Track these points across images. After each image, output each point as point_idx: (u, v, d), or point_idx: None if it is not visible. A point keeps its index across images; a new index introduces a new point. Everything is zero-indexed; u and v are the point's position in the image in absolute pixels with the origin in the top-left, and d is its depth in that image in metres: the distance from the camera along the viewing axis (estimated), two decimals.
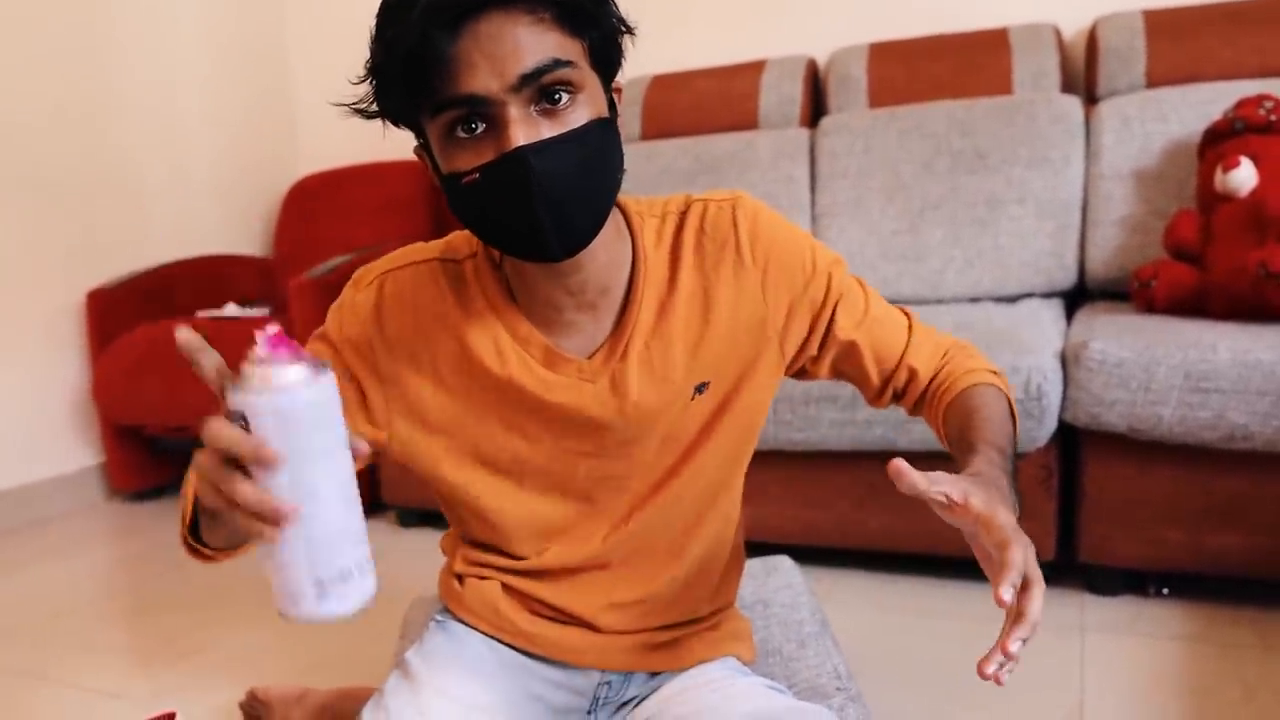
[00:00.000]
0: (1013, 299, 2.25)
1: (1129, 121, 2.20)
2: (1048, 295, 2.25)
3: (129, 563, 2.41)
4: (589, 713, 1.03)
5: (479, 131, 0.74)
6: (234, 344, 2.48)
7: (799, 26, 2.76)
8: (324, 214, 3.18)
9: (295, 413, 0.60)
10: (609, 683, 1.03)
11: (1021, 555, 0.67)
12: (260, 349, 0.59)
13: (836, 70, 2.59)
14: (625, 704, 1.04)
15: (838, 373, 1.00)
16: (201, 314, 2.84)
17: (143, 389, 2.61)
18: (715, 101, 2.68)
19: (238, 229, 3.37)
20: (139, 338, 2.70)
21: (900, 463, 0.67)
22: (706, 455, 0.96)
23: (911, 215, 2.34)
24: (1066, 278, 2.23)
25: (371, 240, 2.86)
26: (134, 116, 3.00)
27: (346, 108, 0.79)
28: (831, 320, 0.94)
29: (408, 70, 0.72)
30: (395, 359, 0.91)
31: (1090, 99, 2.36)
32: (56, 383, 2.81)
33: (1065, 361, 1.71)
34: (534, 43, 0.72)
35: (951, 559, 1.86)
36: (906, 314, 1.01)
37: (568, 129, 0.74)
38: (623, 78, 0.84)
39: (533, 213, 0.74)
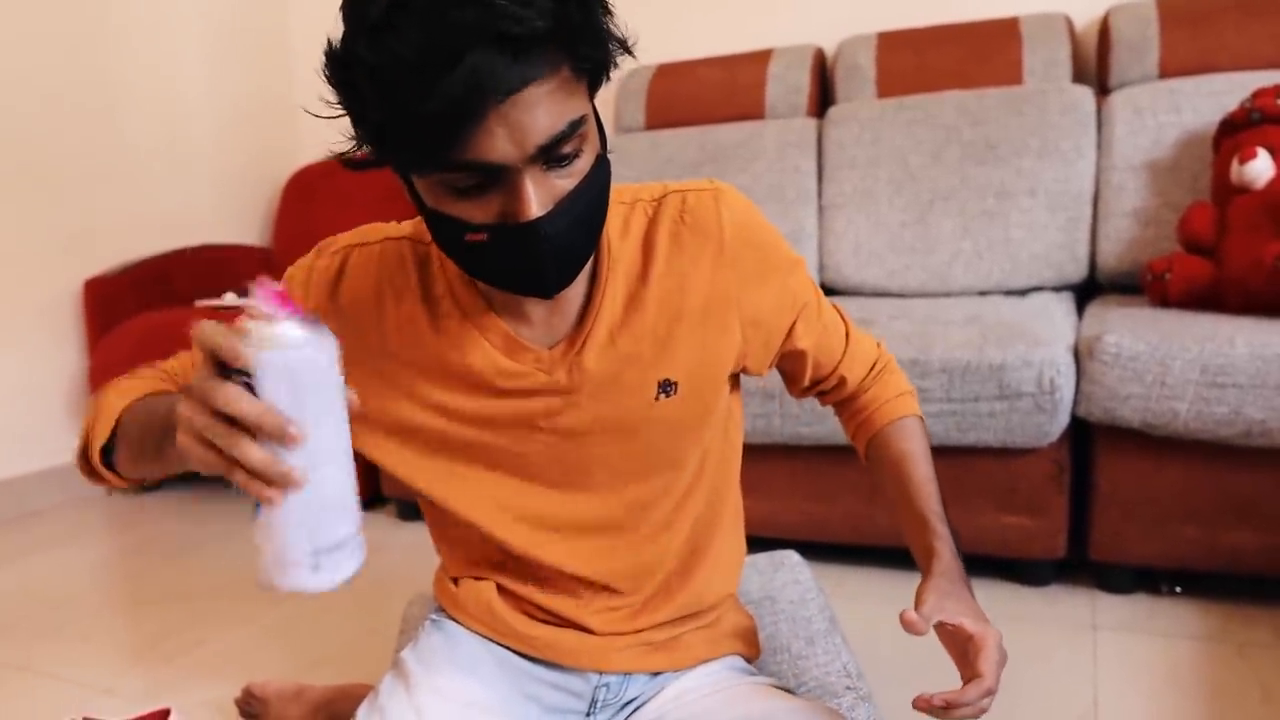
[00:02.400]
0: (1022, 292, 2.22)
1: (1141, 112, 2.17)
2: (1058, 288, 2.22)
3: (125, 556, 2.39)
4: (587, 715, 1.01)
5: (483, 186, 0.70)
6: None
7: (806, 15, 2.72)
8: (324, 203, 3.15)
9: (307, 372, 0.57)
10: (607, 685, 1.00)
11: (993, 677, 0.78)
12: (264, 305, 0.56)
13: (844, 60, 2.55)
14: (627, 704, 1.02)
15: (777, 368, 1.03)
16: (200, 303, 2.81)
17: None
18: (721, 91, 2.65)
19: (237, 218, 3.34)
20: (137, 327, 2.67)
21: (908, 616, 0.78)
22: (677, 457, 0.94)
23: (920, 207, 2.31)
24: (1077, 270, 2.19)
25: None
26: (133, 104, 2.97)
27: (344, 162, 0.75)
28: (792, 327, 0.96)
29: (422, 140, 0.66)
30: (344, 332, 0.86)
31: (1102, 89, 2.32)
32: (53, 372, 2.78)
33: (1079, 355, 1.68)
34: (551, 107, 0.68)
35: (960, 556, 1.82)
36: (842, 316, 1.04)
37: (576, 182, 0.72)
38: (626, 67, 0.81)
39: (540, 271, 0.74)
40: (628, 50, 0.75)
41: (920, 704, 0.77)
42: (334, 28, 0.69)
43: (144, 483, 0.84)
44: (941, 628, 0.82)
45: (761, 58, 2.63)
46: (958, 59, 2.42)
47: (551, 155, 0.70)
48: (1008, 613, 1.67)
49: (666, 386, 0.89)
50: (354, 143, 0.73)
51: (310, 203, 3.21)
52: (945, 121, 2.33)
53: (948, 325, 1.84)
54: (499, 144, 0.67)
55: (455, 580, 1.02)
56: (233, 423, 0.57)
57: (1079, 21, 2.43)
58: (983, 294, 2.23)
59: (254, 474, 0.57)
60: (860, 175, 2.38)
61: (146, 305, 2.80)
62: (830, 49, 2.66)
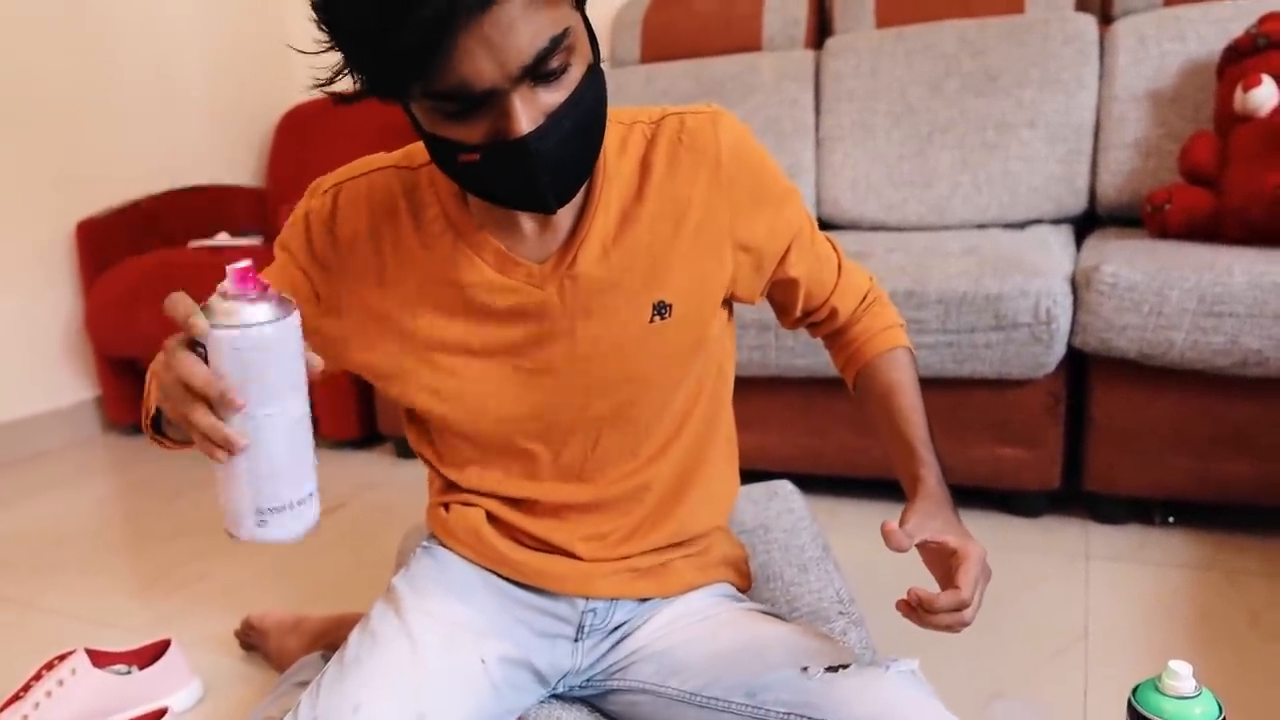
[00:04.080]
0: (1021, 225, 2.20)
1: (1145, 41, 2.13)
2: (1057, 221, 2.20)
3: (125, 495, 2.40)
4: (575, 639, 1.02)
5: (473, 109, 0.70)
6: (224, 272, 2.41)
7: None
8: (317, 142, 3.11)
9: (251, 351, 0.62)
10: (594, 610, 1.01)
11: (970, 589, 0.78)
12: (229, 283, 0.62)
13: None
14: (615, 629, 1.02)
15: (768, 298, 1.03)
16: (194, 244, 2.79)
17: (135, 321, 2.57)
18: (717, 23, 2.60)
19: (230, 158, 3.30)
20: (131, 269, 2.66)
21: (889, 526, 0.78)
22: (671, 383, 0.94)
23: (919, 139, 2.28)
24: (1077, 203, 2.17)
25: None
26: (124, 44, 2.92)
27: (334, 97, 0.75)
28: (785, 255, 0.96)
29: (401, 67, 0.67)
30: (346, 266, 0.89)
31: (1105, 18, 2.27)
32: (49, 315, 2.77)
33: (1076, 285, 1.67)
34: (529, 23, 0.66)
35: (955, 487, 1.83)
36: (835, 248, 1.04)
37: (566, 95, 0.72)
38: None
39: (536, 187, 0.74)
40: None
41: (900, 604, 0.79)
42: None
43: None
44: (925, 547, 0.83)
45: None
46: None
47: (537, 72, 0.69)
48: (1002, 542, 1.68)
49: (661, 308, 0.89)
50: (341, 76, 0.73)
51: (303, 142, 3.17)
52: (945, 52, 2.29)
53: (945, 257, 1.82)
54: (481, 66, 0.66)
55: (445, 506, 1.03)
56: (188, 388, 0.63)
57: None
58: (981, 227, 2.21)
59: (203, 435, 0.63)
60: (858, 108, 2.35)
61: (140, 247, 2.79)
62: None
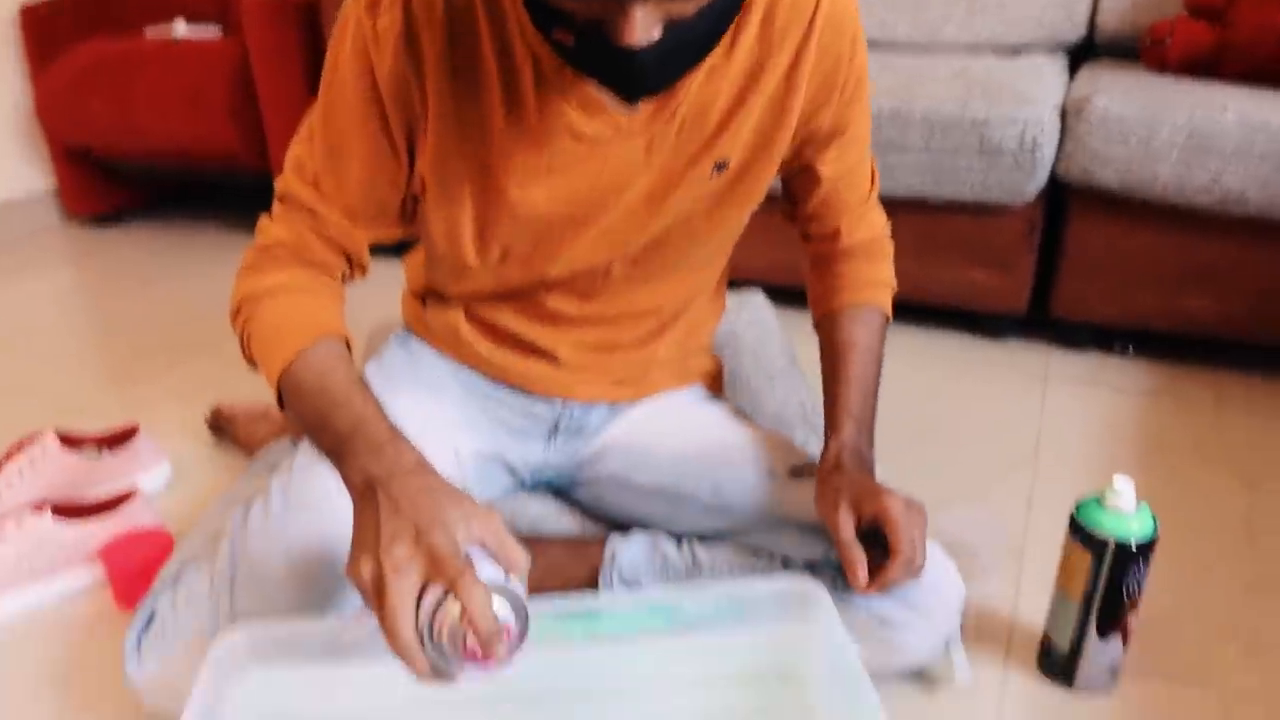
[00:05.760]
0: (1015, 50, 2.13)
1: None
2: (1052, 50, 2.13)
3: (92, 286, 2.36)
4: (548, 438, 1.04)
5: None
6: (183, 66, 2.28)
7: None
8: None
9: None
10: (570, 412, 1.02)
11: (910, 547, 0.82)
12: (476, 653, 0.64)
13: None
14: (585, 428, 1.04)
15: (784, 184, 0.99)
16: (149, 30, 2.64)
17: (88, 108, 2.46)
18: None
19: None
20: (83, 55, 2.51)
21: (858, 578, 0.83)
22: (708, 229, 0.92)
23: None
24: (1074, 31, 2.10)
25: None
26: None
27: None
28: (825, 149, 0.92)
29: None
30: (427, 90, 0.78)
31: None
32: None
33: (1065, 115, 1.64)
34: None
35: (926, 307, 1.84)
36: (874, 177, 1.01)
37: (696, 6, 0.61)
38: None
39: (625, 85, 0.70)
40: None
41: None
42: None
43: None
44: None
45: None
46: None
47: None
48: (966, 362, 1.73)
49: (721, 165, 0.86)
50: None
51: None
52: None
53: (934, 80, 1.77)
54: None
55: (423, 300, 1.02)
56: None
57: None
58: (972, 51, 2.14)
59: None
60: None
61: (90, 33, 2.63)
62: None
